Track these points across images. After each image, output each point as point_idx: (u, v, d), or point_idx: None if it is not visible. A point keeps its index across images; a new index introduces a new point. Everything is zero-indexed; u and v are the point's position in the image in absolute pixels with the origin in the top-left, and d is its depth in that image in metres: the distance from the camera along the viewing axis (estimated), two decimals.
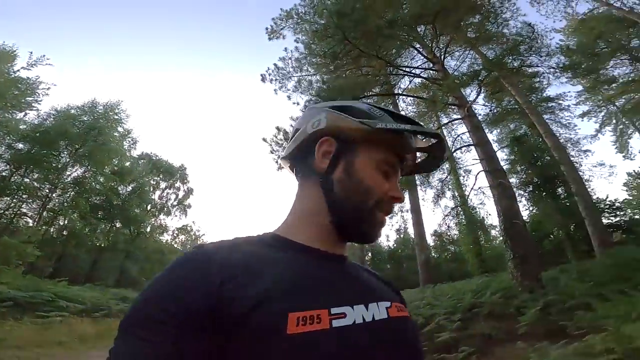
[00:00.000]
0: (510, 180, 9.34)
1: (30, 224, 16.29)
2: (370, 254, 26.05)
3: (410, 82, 12.57)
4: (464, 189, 14.48)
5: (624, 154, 16.92)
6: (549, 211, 12.25)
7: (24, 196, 15.83)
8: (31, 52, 15.02)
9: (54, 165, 16.78)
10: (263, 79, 10.49)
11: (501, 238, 7.79)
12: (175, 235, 30.96)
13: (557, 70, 9.08)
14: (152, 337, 0.36)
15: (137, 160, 24.71)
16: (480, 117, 9.85)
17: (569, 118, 13.02)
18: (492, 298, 6.11)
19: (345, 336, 0.41)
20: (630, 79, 12.87)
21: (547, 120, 11.65)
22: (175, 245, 31.53)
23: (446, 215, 11.77)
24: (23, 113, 15.98)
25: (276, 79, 10.52)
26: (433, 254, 20.56)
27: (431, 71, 10.43)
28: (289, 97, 10.54)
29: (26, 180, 15.94)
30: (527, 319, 4.81)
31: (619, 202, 13.11)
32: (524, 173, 13.38)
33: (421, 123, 0.59)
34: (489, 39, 9.90)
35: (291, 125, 9.78)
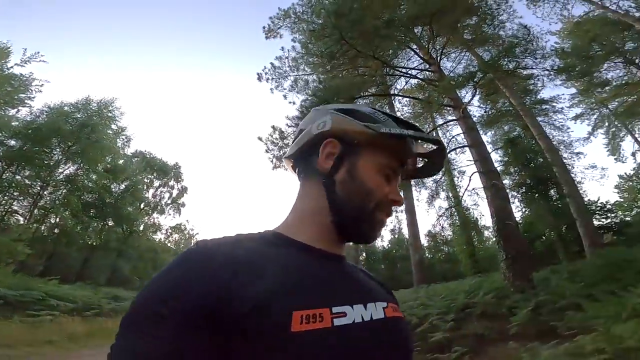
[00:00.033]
0: (504, 182, 9.43)
1: (21, 222, 16.07)
2: (364, 254, 26.12)
3: (406, 82, 12.60)
4: (458, 189, 14.61)
5: (615, 157, 17.20)
6: (541, 212, 12.39)
7: (15, 193, 15.62)
8: (25, 49, 14.81)
9: (45, 162, 16.57)
10: (259, 78, 10.48)
11: (494, 239, 7.86)
12: (168, 234, 30.82)
13: (551, 72, 9.17)
14: (152, 334, 0.36)
15: (131, 158, 24.47)
16: (475, 119, 9.91)
17: (562, 120, 13.15)
18: (484, 298, 6.16)
19: (347, 334, 0.41)
20: (623, 81, 13.02)
21: (540, 123, 11.76)
22: (169, 244, 31.36)
23: (440, 216, 11.84)
24: (15, 110, 15.80)
25: (272, 78, 10.51)
26: (427, 255, 20.70)
27: (427, 72, 10.48)
28: (285, 96, 10.56)
29: (17, 177, 15.73)
30: (519, 319, 4.86)
31: (610, 204, 13.33)
32: (517, 174, 13.51)
33: (422, 129, 0.60)
34: (485, 41, 9.96)
35: (287, 124, 9.78)
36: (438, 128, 14.31)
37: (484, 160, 7.89)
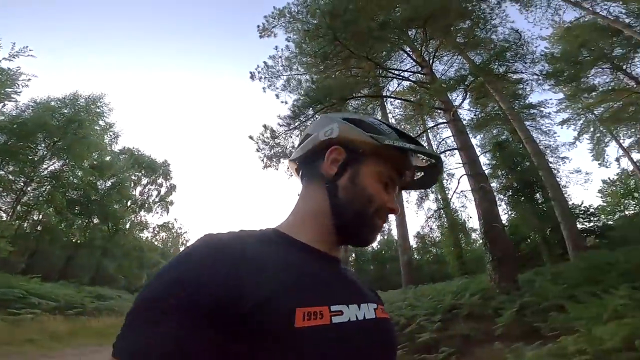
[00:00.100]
0: (491, 185, 9.57)
1: (4, 218, 15.61)
2: (354, 255, 26.17)
3: (398, 84, 12.70)
4: (446, 192, 14.80)
5: (599, 162, 17.57)
6: (526, 215, 12.63)
7: None
8: (14, 43, 14.38)
9: (30, 157, 16.15)
10: (252, 77, 10.42)
11: (481, 241, 7.97)
12: (156, 232, 30.32)
13: (540, 77, 9.32)
14: (158, 326, 0.37)
15: (118, 155, 23.95)
16: (465, 122, 10.03)
17: (549, 125, 13.47)
18: (471, 299, 6.24)
19: (343, 332, 0.44)
20: (609, 87, 13.25)
21: (528, 127, 12.00)
22: (156, 243, 30.89)
23: (429, 218, 12.00)
24: (1, 104, 15.31)
25: (265, 77, 10.47)
26: (415, 256, 20.86)
27: (419, 75, 10.58)
28: (277, 95, 10.52)
29: (1, 172, 15.27)
30: (504, 320, 4.93)
31: (593, 208, 13.68)
32: (504, 178, 13.74)
33: (422, 144, 0.63)
34: (477, 45, 10.09)
35: (278, 124, 9.74)
36: (428, 130, 14.47)
37: (473, 163, 8.00)
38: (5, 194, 15.71)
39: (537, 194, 13.07)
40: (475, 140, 13.43)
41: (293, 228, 0.57)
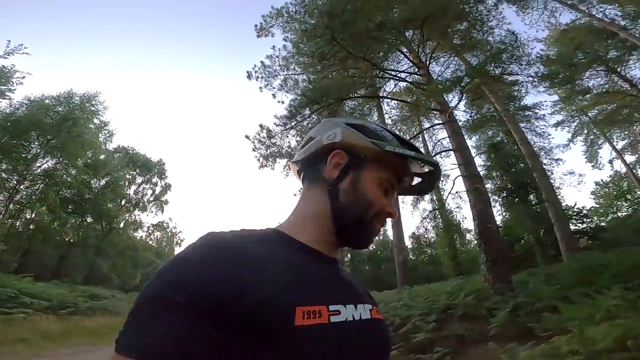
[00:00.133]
0: (486, 186, 9.62)
1: None
2: (349, 255, 26.20)
3: (395, 85, 12.71)
4: (442, 192, 14.86)
5: (593, 164, 17.70)
6: (520, 216, 12.73)
7: None
8: (9, 41, 14.23)
9: (23, 155, 15.97)
10: (249, 76, 10.40)
11: (475, 242, 8.01)
12: (150, 231, 30.04)
13: (535, 79, 9.39)
14: (161, 321, 0.38)
15: (113, 154, 23.77)
16: (460, 123, 10.09)
17: (543, 127, 13.57)
18: (465, 300, 6.27)
19: (341, 331, 0.45)
20: (604, 90, 13.37)
21: (523, 129, 12.07)
22: (150, 242, 30.67)
23: (424, 218, 12.00)
24: None
25: (262, 77, 10.46)
26: (411, 256, 20.95)
27: (416, 76, 10.61)
28: (274, 95, 10.51)
29: None
30: (498, 320, 4.96)
31: (586, 210, 13.83)
32: (498, 179, 13.84)
33: (422, 150, 0.65)
34: (473, 46, 10.15)
35: (275, 124, 9.72)
36: (424, 131, 14.53)
37: (468, 164, 8.04)
38: None
39: (531, 196, 13.18)
40: (470, 142, 13.54)
41: (293, 228, 0.59)
